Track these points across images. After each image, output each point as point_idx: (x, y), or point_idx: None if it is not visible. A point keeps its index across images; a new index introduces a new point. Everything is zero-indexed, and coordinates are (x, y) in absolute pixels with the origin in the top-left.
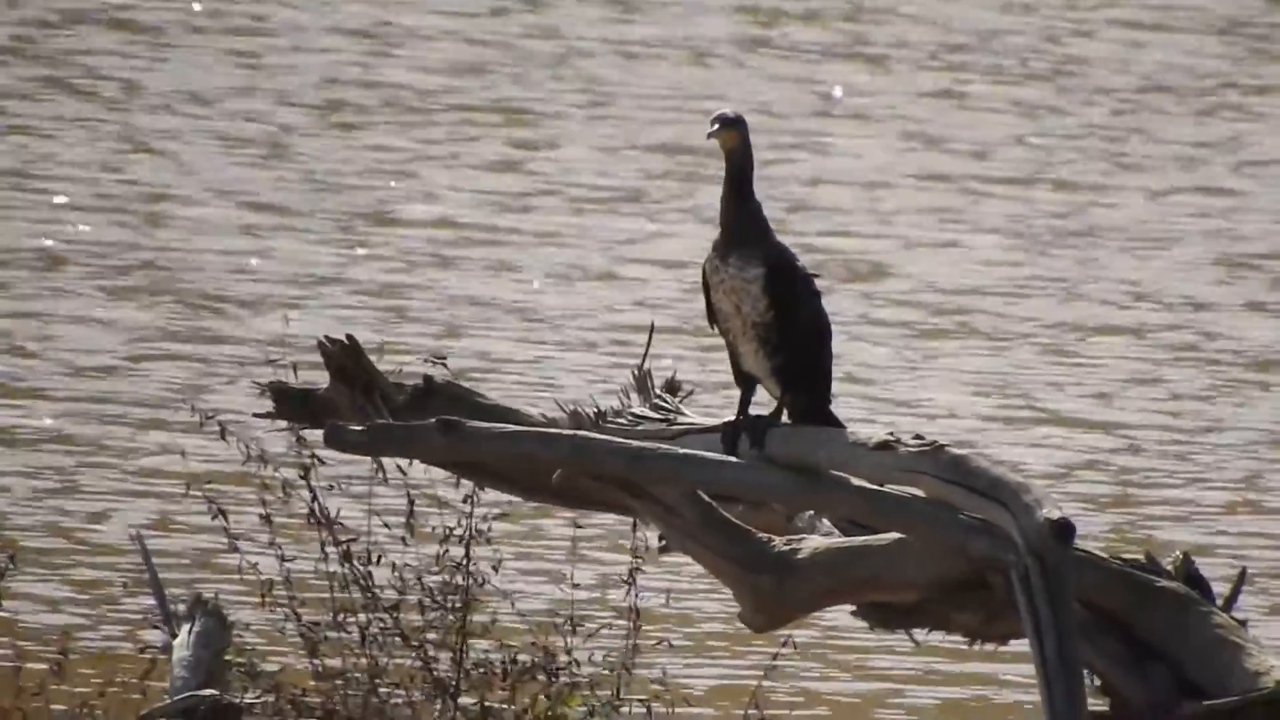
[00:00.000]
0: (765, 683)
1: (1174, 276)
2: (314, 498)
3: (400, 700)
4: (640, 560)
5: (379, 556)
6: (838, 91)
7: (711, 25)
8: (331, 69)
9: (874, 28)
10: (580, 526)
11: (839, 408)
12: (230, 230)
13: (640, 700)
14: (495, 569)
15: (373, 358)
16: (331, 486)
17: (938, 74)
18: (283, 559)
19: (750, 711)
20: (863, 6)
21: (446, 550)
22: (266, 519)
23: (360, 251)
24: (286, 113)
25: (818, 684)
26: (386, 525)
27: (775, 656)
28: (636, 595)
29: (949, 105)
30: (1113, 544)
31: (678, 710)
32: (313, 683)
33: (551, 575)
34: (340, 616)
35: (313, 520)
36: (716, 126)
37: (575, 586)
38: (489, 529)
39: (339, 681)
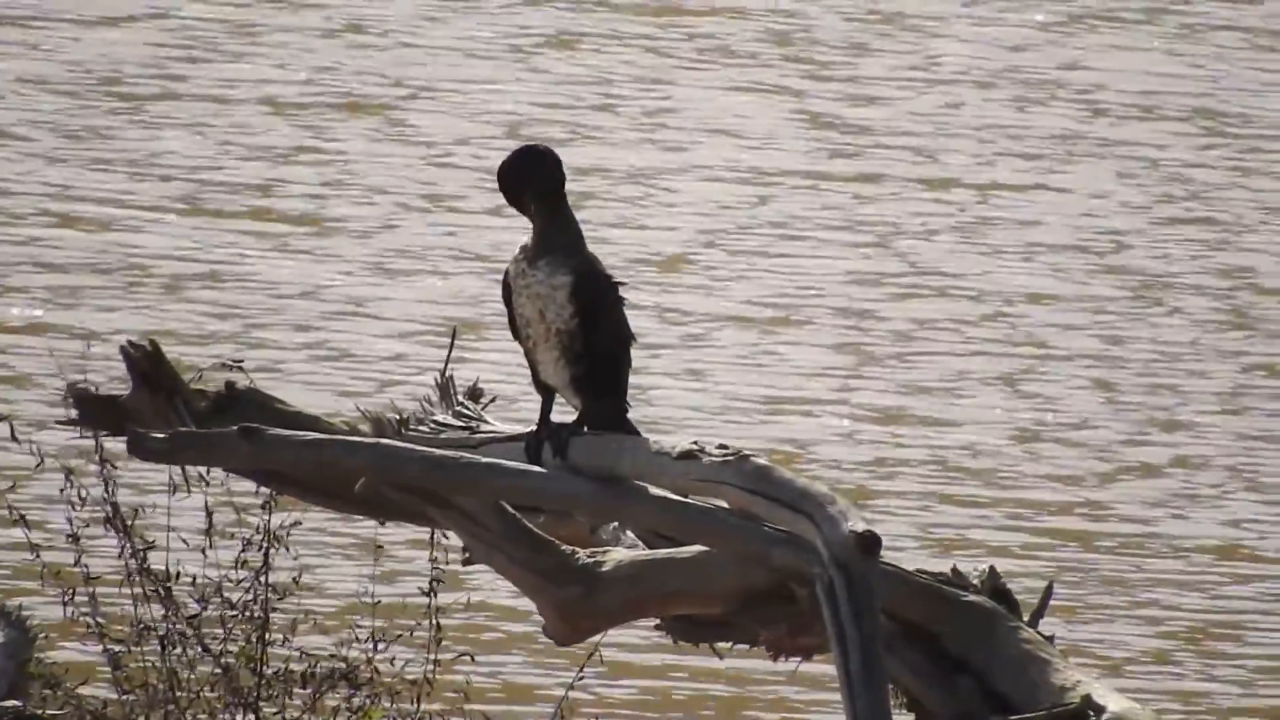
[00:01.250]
0: (571, 693)
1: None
2: (114, 507)
3: (203, 714)
4: (441, 569)
5: (178, 572)
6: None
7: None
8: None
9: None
10: (383, 527)
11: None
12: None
13: (440, 711)
14: (296, 580)
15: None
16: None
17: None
18: (81, 562)
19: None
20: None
21: (245, 559)
22: (74, 536)
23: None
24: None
25: (618, 692)
26: (186, 542)
27: (581, 667)
28: (437, 604)
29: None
30: (925, 547)
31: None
32: (114, 694)
33: (354, 584)
34: (140, 626)
35: (111, 528)
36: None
37: (376, 604)
38: (287, 535)
39: (139, 691)
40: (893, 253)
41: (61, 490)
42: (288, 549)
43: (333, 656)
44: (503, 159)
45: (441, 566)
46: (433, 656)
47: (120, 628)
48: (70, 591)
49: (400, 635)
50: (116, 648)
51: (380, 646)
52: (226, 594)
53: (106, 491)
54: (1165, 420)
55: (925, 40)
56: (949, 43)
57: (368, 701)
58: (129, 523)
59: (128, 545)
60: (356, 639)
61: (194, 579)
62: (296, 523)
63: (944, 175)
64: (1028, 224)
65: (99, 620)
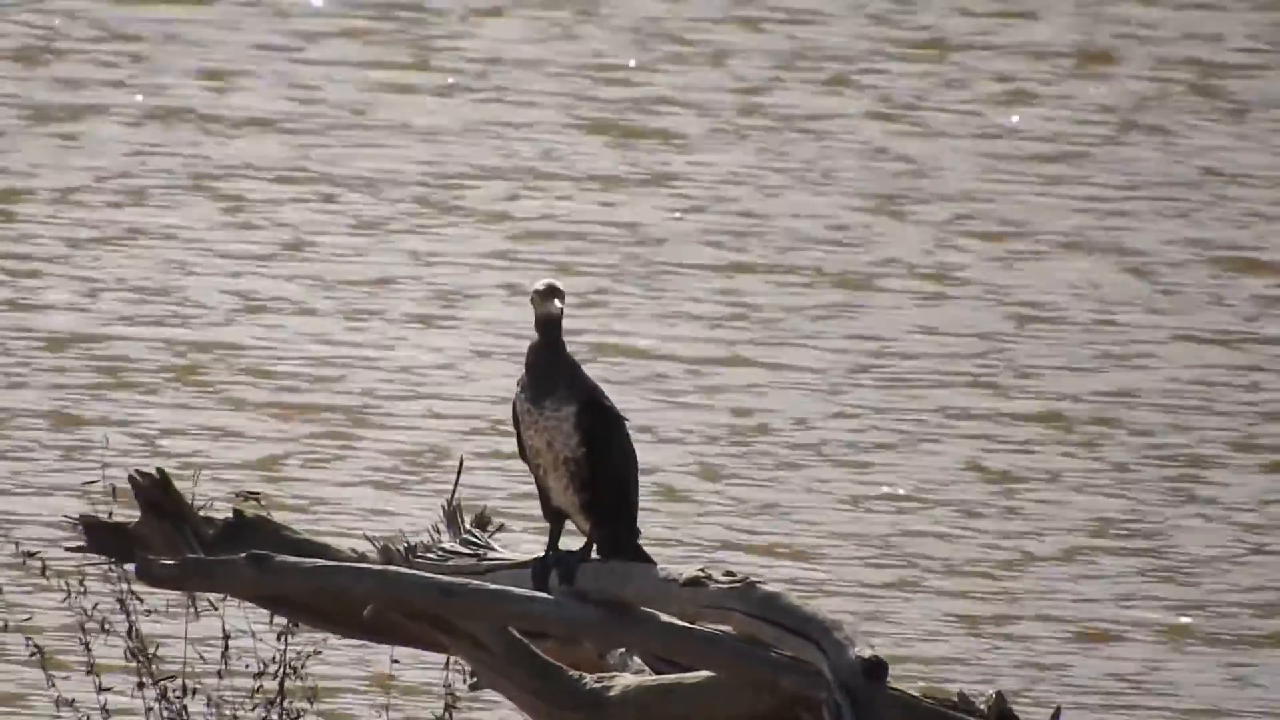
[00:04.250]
0: None
1: None
2: (130, 632)
3: None
4: (454, 695)
5: (193, 690)
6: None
7: None
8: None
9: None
10: (396, 661)
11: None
12: None
13: None
14: (311, 701)
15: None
16: (150, 611)
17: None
18: (100, 688)
19: None
20: None
21: (260, 686)
22: (90, 668)
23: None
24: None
25: None
26: (203, 658)
27: None
28: None
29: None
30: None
31: None
32: None
33: (368, 711)
34: None
35: (130, 656)
36: (557, 303)
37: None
38: (302, 665)
39: None
40: None
41: (84, 628)
42: (301, 679)
43: None
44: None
45: (455, 692)
46: None
47: None
48: (86, 719)
49: None
50: None
51: None
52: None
53: (129, 631)
54: None
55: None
56: None
57: None
58: (149, 658)
59: (148, 677)
60: None
61: (209, 699)
62: (316, 652)
63: None
64: None
65: None
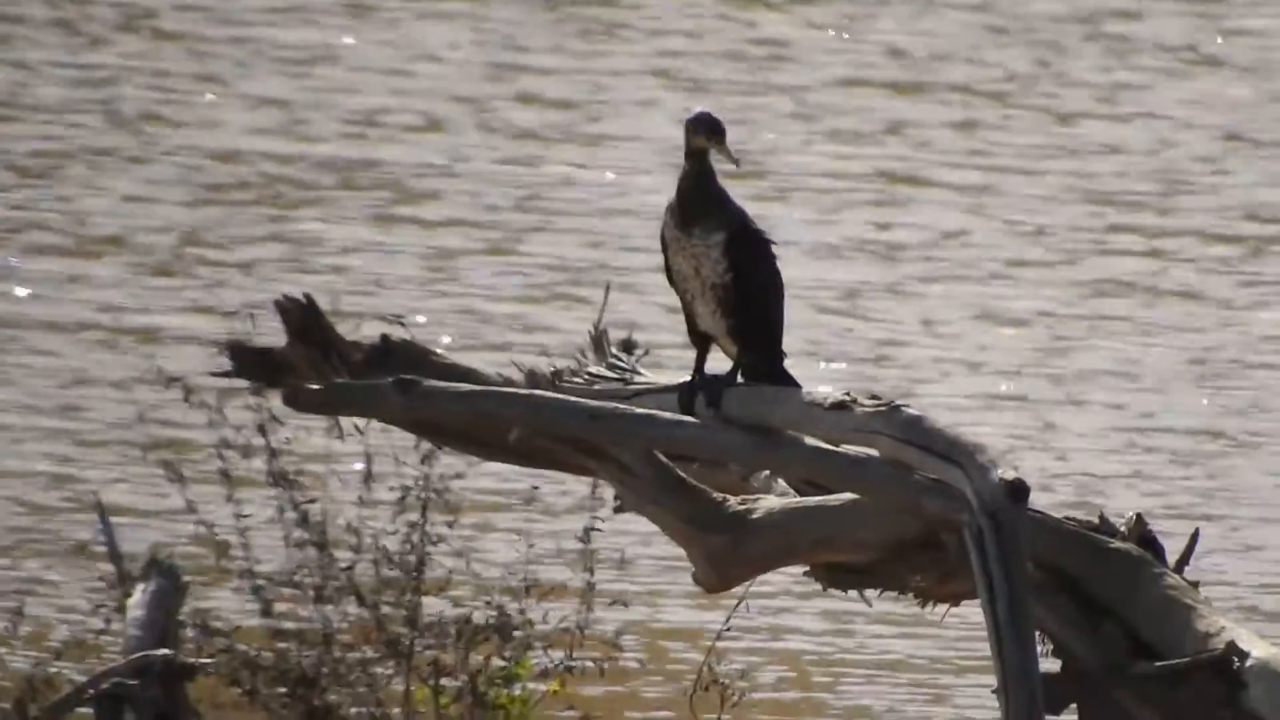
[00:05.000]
0: (719, 643)
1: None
2: (272, 455)
3: (354, 658)
4: (597, 519)
5: (336, 516)
6: None
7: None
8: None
9: None
10: (537, 486)
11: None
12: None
13: (593, 660)
14: (450, 526)
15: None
16: (289, 440)
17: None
18: (239, 517)
19: (707, 668)
20: None
21: (404, 509)
22: (225, 474)
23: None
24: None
25: (772, 643)
26: (343, 482)
27: (729, 616)
28: (591, 554)
29: None
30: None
31: (635, 666)
32: (267, 642)
33: (508, 534)
34: (296, 576)
35: (271, 479)
36: (721, 137)
37: (530, 546)
38: (445, 489)
39: (293, 642)
40: None
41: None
42: (446, 502)
43: (487, 604)
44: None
45: (598, 518)
46: (585, 605)
47: (271, 574)
48: (224, 546)
49: (552, 590)
50: (269, 596)
51: (532, 597)
52: (383, 544)
53: (270, 454)
54: None
55: None
56: None
57: (520, 649)
58: (288, 475)
59: (289, 497)
60: (510, 589)
61: (348, 525)
62: (459, 475)
63: None
64: None
65: (253, 570)
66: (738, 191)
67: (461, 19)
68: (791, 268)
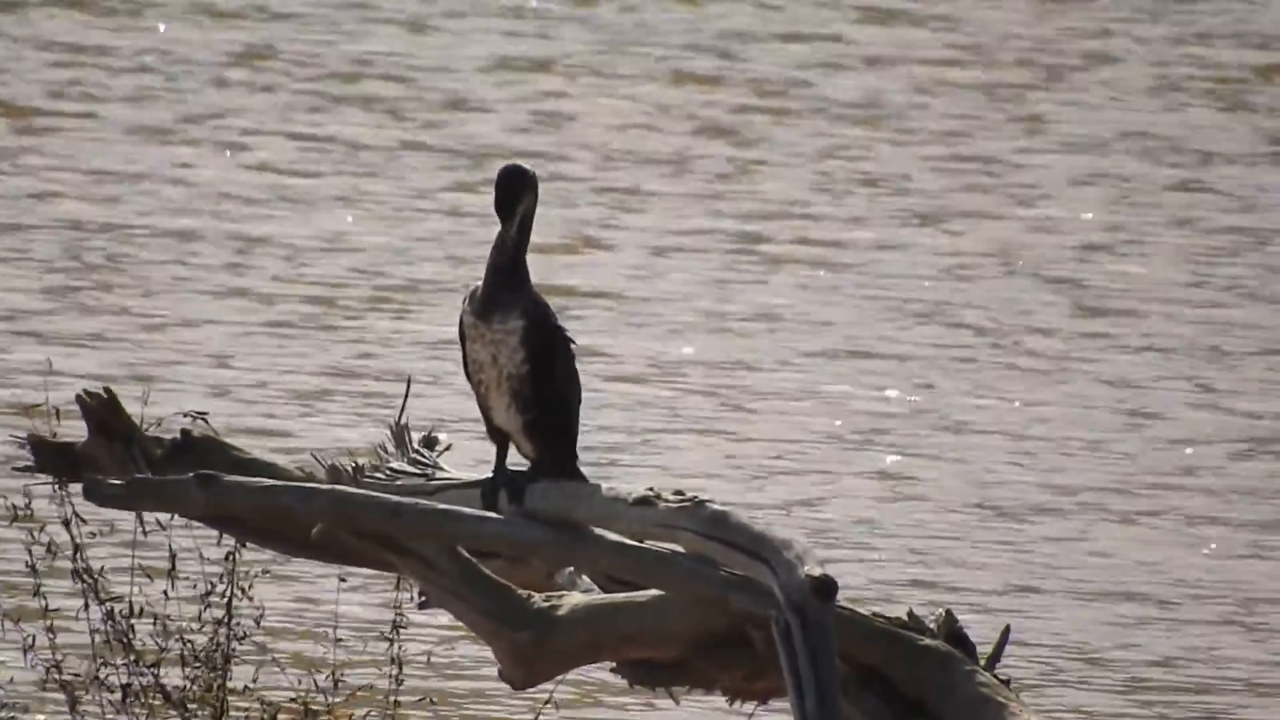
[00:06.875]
0: None
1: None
2: (76, 551)
3: None
4: (402, 614)
5: (140, 610)
6: None
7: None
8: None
9: None
10: (344, 580)
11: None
12: None
13: None
14: (258, 622)
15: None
16: (95, 534)
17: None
18: (46, 609)
19: None
20: None
21: (208, 606)
22: (32, 568)
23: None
24: None
25: None
26: (149, 576)
27: (537, 715)
28: (399, 647)
29: None
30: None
31: None
32: None
33: (314, 630)
34: (101, 673)
35: (76, 576)
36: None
37: (338, 642)
38: (250, 586)
39: None
40: None
41: (29, 545)
42: (250, 599)
43: (293, 701)
44: (509, 165)
45: (402, 613)
46: (393, 698)
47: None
48: (31, 638)
49: (356, 691)
50: (75, 691)
51: (340, 688)
52: (188, 638)
53: (75, 552)
54: None
55: None
56: None
57: None
58: (94, 579)
59: (93, 596)
60: (315, 685)
61: (155, 619)
62: (265, 571)
63: None
64: None
65: (59, 668)
66: None
67: None
68: None
